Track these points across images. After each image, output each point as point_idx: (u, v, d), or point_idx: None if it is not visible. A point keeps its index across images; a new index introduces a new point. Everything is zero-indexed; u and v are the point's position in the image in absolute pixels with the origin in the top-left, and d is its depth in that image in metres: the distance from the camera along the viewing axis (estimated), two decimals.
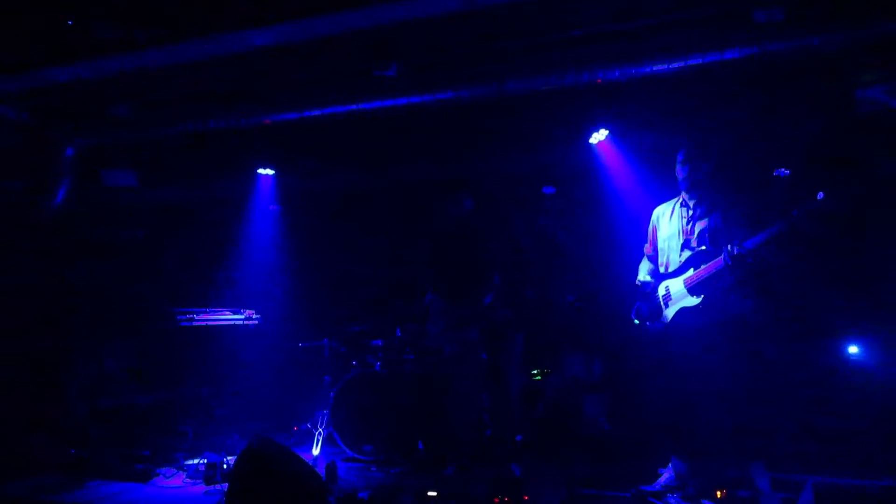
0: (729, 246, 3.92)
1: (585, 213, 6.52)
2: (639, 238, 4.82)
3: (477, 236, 5.74)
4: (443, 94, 5.06)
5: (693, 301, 4.17)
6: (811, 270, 5.53)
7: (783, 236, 3.78)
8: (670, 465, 4.37)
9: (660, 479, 4.37)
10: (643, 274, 4.67)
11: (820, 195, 3.63)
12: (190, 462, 5.29)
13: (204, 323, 5.80)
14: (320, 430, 5.56)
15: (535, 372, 6.42)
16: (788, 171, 5.68)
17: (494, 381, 5.48)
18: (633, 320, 4.62)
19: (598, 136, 5.86)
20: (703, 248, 4.18)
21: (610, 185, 6.03)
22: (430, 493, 4.29)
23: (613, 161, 5.93)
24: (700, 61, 4.45)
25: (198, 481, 4.96)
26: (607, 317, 6.14)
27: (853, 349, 5.39)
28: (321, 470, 4.71)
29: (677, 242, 4.37)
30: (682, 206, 4.42)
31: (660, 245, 4.53)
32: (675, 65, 4.50)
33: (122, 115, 5.68)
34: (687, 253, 4.28)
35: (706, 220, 4.25)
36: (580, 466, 5.01)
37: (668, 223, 4.47)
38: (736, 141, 5.52)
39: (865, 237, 5.46)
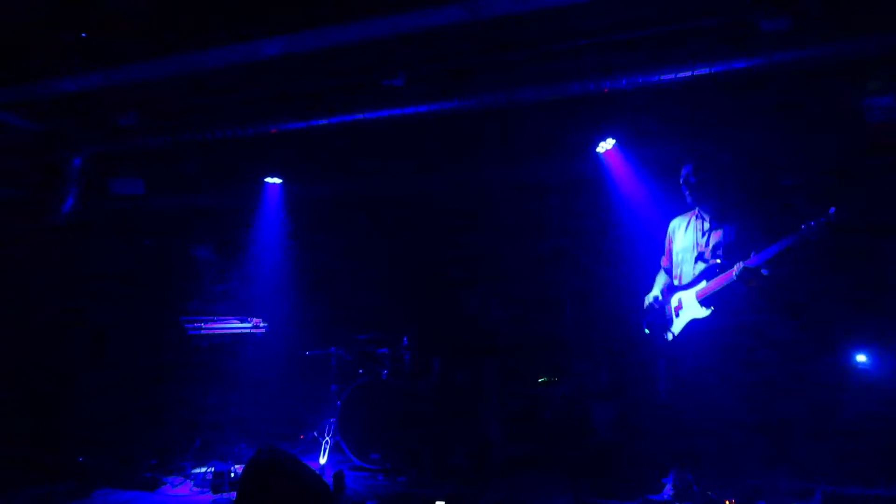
0: (740, 261, 3.94)
1: (592, 222, 6.51)
2: (646, 247, 4.83)
3: (479, 247, 5.73)
4: (450, 104, 5.07)
5: (704, 312, 4.19)
6: (822, 281, 5.51)
7: (794, 250, 3.80)
8: (671, 475, 4.36)
9: (665, 488, 4.36)
10: (657, 289, 4.68)
11: (832, 210, 3.65)
12: (197, 471, 5.29)
13: (211, 331, 5.80)
14: (327, 438, 5.56)
15: (543, 380, 6.41)
16: (796, 181, 5.68)
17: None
18: (643, 330, 4.64)
19: (605, 146, 5.86)
20: (718, 260, 4.21)
21: (617, 195, 6.03)
22: (437, 503, 4.28)
23: (620, 170, 5.93)
24: (707, 71, 4.44)
25: (205, 490, 4.97)
26: (615, 325, 6.13)
27: (861, 358, 5.37)
28: (328, 479, 4.72)
29: (691, 255, 4.40)
30: (697, 218, 4.45)
31: (674, 258, 4.55)
32: (683, 74, 4.50)
33: (130, 124, 5.70)
34: (701, 265, 4.30)
35: (720, 232, 4.28)
36: (587, 475, 4.99)
37: (684, 235, 4.50)
38: (744, 151, 5.51)
39: (876, 246, 5.44)
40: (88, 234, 6.75)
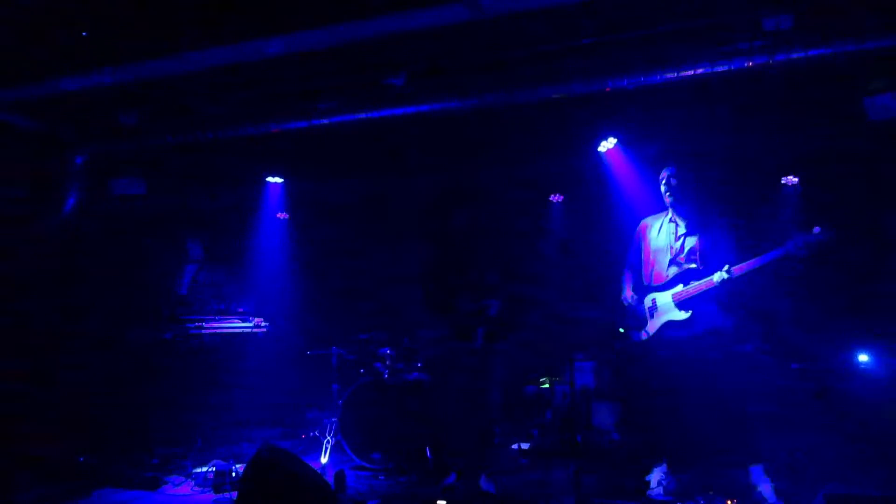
0: (723, 267, 4.02)
1: (594, 221, 6.51)
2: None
3: (481, 245, 5.70)
4: (451, 103, 5.06)
5: (681, 315, 4.26)
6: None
7: (776, 264, 3.88)
8: (653, 473, 4.42)
9: (652, 485, 4.39)
10: (630, 288, 4.73)
11: (816, 229, 3.78)
12: (198, 470, 5.29)
13: (213, 331, 5.81)
14: (329, 438, 5.55)
15: (544, 380, 6.41)
16: (797, 179, 5.68)
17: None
18: (619, 329, 4.70)
19: (607, 145, 5.86)
20: (694, 265, 4.25)
21: (618, 193, 6.03)
22: (439, 503, 4.28)
23: (622, 169, 5.93)
24: (709, 70, 4.44)
25: (206, 489, 4.96)
26: (615, 324, 6.13)
27: (863, 357, 5.37)
28: (330, 478, 4.72)
29: (665, 257, 4.45)
30: (670, 221, 4.50)
31: (646, 258, 4.59)
32: (685, 73, 4.50)
33: (132, 123, 5.69)
34: (675, 269, 4.36)
35: (696, 237, 4.35)
36: (589, 475, 4.98)
37: (657, 237, 4.55)
38: (744, 150, 5.51)
39: (869, 247, 5.45)
40: (89, 234, 6.74)
